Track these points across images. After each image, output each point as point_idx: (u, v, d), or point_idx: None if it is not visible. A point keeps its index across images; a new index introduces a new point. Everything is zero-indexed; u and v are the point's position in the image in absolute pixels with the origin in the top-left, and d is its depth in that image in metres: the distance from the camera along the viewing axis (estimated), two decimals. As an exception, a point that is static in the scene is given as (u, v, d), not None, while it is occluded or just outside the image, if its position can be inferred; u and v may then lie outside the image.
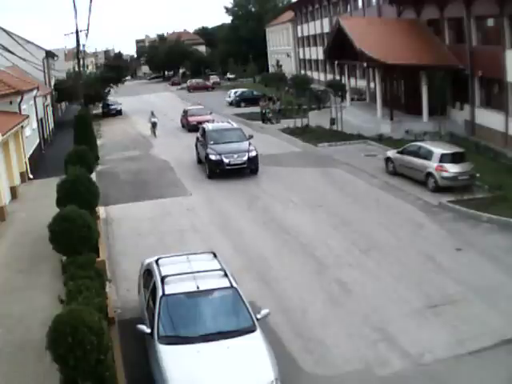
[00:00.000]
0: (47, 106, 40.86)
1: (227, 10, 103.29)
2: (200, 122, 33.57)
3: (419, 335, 10.82)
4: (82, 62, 46.55)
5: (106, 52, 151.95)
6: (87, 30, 50.55)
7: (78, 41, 39.37)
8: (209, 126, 26.30)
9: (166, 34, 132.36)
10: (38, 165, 28.22)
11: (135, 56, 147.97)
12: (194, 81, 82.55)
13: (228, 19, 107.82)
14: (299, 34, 68.19)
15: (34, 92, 30.94)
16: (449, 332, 10.89)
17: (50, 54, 49.86)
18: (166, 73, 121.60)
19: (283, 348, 10.47)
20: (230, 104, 52.64)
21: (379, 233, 16.48)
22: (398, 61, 29.90)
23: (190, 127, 37.28)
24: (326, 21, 55.67)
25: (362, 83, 44.45)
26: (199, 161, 26.24)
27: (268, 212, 18.83)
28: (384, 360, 10.12)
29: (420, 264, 14.18)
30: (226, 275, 10.16)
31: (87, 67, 73.96)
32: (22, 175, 24.28)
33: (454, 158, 20.15)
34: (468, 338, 10.62)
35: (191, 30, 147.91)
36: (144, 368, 9.36)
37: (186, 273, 10.16)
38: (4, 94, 24.11)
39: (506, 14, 25.32)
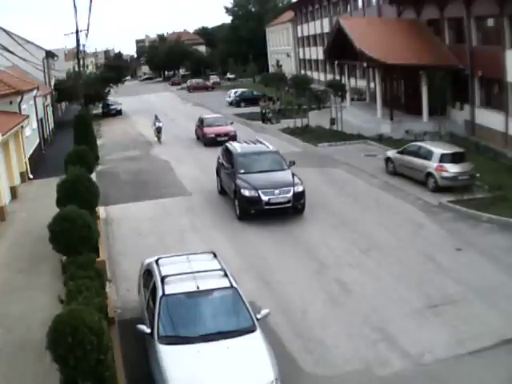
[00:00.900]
0: (47, 106, 40.86)
1: (227, 10, 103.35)
2: (219, 135, 30.74)
3: (419, 335, 10.82)
4: (82, 62, 46.59)
5: (106, 52, 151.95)
6: (87, 30, 50.67)
7: (77, 41, 39.49)
8: (236, 148, 20.32)
9: (166, 34, 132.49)
10: (38, 165, 28.22)
11: (135, 56, 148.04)
12: (193, 81, 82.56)
13: (228, 19, 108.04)
14: (299, 34, 68.20)
15: (34, 92, 30.94)
16: (449, 332, 10.89)
17: (49, 54, 49.86)
18: (167, 73, 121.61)
19: (283, 348, 10.47)
20: (230, 104, 52.66)
21: (379, 233, 16.48)
22: (397, 61, 29.90)
23: (207, 141, 31.28)
24: (326, 21, 55.69)
25: (362, 83, 44.45)
26: (222, 190, 20.85)
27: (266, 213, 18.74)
28: (384, 360, 10.11)
29: (420, 264, 14.18)
30: (225, 275, 10.15)
31: (87, 67, 73.95)
32: (22, 175, 24.28)
33: (454, 158, 20.15)
34: (468, 337, 10.62)
35: (191, 30, 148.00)
36: (144, 368, 9.36)
37: (186, 273, 10.15)
38: (4, 94, 24.11)
39: (506, 14, 25.33)
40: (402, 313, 11.73)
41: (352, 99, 41.26)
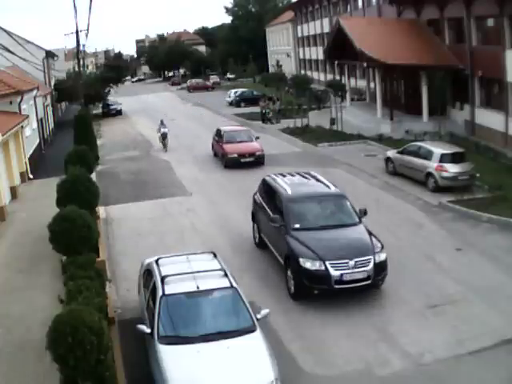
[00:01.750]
0: (47, 105, 40.86)
1: (227, 10, 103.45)
2: (243, 155, 24.70)
3: (419, 335, 10.81)
4: (82, 62, 46.58)
5: (106, 52, 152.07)
6: (87, 30, 50.92)
7: (77, 41, 39.49)
8: (286, 189, 14.08)
9: (166, 34, 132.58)
10: (38, 165, 28.21)
11: (135, 56, 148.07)
12: (193, 81, 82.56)
13: (228, 19, 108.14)
14: (299, 34, 68.20)
15: (34, 92, 30.95)
16: (449, 332, 10.89)
17: (49, 54, 49.85)
18: (167, 73, 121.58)
19: (283, 348, 10.47)
20: (230, 104, 52.67)
21: (379, 233, 16.41)
22: (397, 61, 29.91)
23: (229, 162, 24.93)
24: (326, 21, 55.69)
25: (362, 83, 44.46)
26: (260, 241, 15.17)
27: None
28: (384, 360, 10.11)
29: (420, 264, 14.18)
30: (226, 275, 10.15)
31: (87, 67, 74.03)
32: (22, 175, 24.28)
33: (454, 158, 20.16)
34: (468, 337, 10.62)
35: (191, 30, 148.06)
36: (144, 368, 9.35)
37: (186, 273, 10.15)
38: (4, 94, 24.11)
39: (506, 14, 25.33)
40: (402, 313, 11.72)
41: (352, 99, 41.27)
